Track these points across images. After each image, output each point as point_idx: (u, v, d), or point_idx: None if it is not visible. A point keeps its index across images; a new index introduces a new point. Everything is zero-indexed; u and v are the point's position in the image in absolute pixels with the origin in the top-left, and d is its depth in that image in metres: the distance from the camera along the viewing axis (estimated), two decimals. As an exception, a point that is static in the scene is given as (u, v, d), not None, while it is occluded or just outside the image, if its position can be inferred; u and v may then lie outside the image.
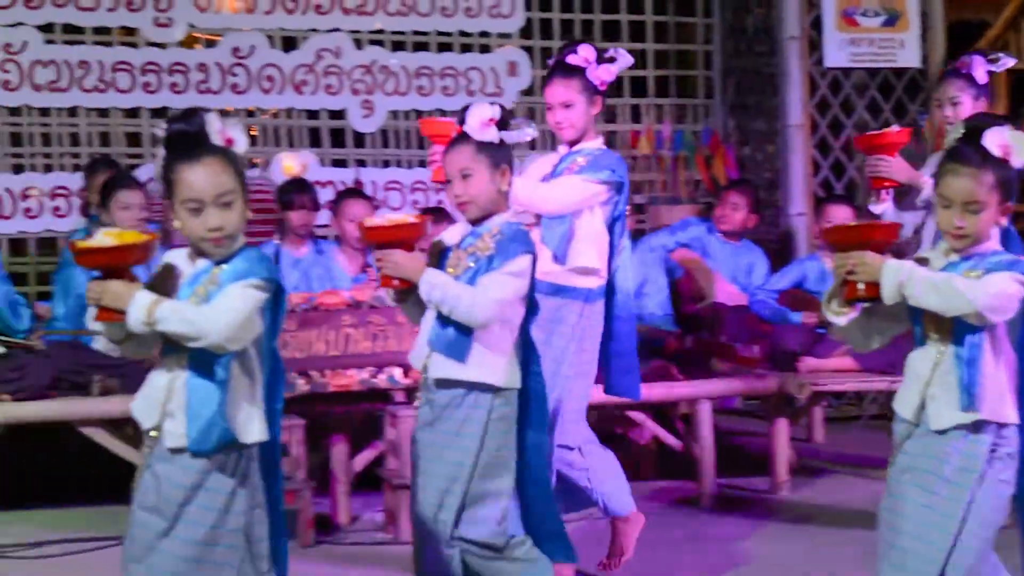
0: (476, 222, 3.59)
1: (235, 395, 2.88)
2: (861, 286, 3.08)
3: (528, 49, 7.12)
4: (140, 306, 2.67)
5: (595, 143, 4.16)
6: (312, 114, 7.00)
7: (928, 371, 3.16)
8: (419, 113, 6.96)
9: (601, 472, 4.47)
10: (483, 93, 7.00)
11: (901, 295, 3.01)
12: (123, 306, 2.66)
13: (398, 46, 6.96)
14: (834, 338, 3.96)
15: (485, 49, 7.01)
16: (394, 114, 7.02)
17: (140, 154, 6.46)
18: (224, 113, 2.75)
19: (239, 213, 2.75)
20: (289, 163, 6.33)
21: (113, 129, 6.49)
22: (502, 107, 3.63)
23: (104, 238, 2.79)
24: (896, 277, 3.02)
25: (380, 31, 6.94)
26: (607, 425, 6.02)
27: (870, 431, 6.28)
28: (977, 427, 3.11)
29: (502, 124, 3.60)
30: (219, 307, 2.72)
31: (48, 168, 6.33)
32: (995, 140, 3.09)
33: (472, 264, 3.55)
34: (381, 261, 3.50)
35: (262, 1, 6.71)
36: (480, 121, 3.58)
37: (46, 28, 6.42)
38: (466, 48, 6.99)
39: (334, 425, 5.64)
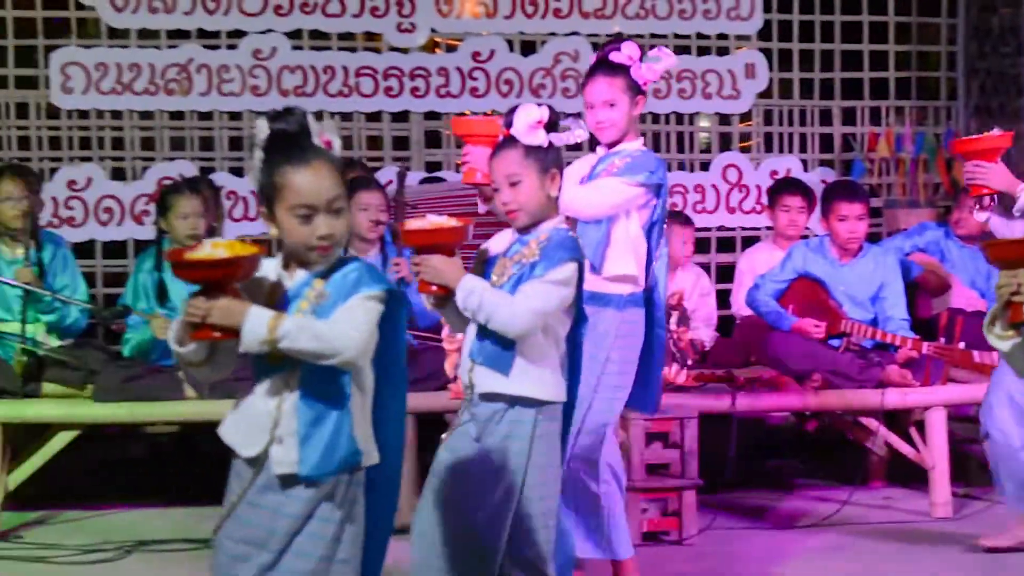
0: (524, 230, 3.45)
1: (355, 414, 2.70)
2: None
3: (766, 52, 7.08)
4: (260, 323, 2.46)
5: (635, 144, 3.99)
6: None
7: None
8: (655, 117, 7.00)
9: (609, 506, 4.31)
10: (720, 96, 7.01)
11: None
12: (237, 323, 2.45)
13: None
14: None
15: (722, 52, 6.98)
16: None
17: (380, 157, 6.64)
18: (318, 116, 2.63)
19: (346, 220, 2.59)
20: None
21: (355, 133, 6.67)
22: (550, 108, 3.47)
23: (215, 250, 2.56)
24: None
25: (618, 35, 6.83)
26: (839, 431, 6.01)
27: None
28: None
29: (551, 126, 3.45)
30: (348, 321, 2.53)
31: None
32: None
33: (515, 272, 3.42)
34: (419, 265, 3.37)
35: (502, 6, 6.82)
36: (528, 124, 3.43)
37: (294, 35, 6.61)
38: (703, 51, 6.97)
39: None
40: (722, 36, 6.89)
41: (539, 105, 3.44)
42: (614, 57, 4.19)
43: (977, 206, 4.54)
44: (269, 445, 2.57)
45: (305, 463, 2.52)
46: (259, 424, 2.58)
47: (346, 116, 6.45)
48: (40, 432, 5.31)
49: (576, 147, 3.94)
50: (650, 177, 4.04)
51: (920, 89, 7.21)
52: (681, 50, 6.86)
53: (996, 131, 4.79)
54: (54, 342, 5.13)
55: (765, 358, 6.03)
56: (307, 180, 2.51)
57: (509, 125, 3.43)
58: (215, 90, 6.52)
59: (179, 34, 6.54)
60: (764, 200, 6.50)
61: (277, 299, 2.57)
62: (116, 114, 6.49)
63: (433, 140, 6.88)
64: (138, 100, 6.31)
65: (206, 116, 6.47)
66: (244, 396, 2.64)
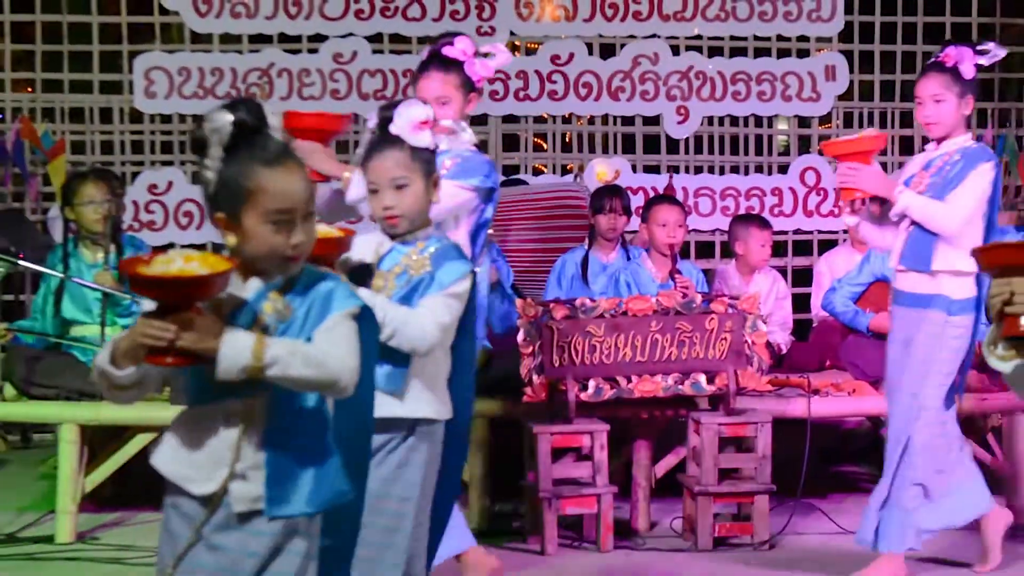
0: (399, 237, 3.29)
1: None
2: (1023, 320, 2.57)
3: (847, 54, 7.10)
4: (242, 348, 2.17)
5: (463, 142, 3.73)
6: (627, 120, 7.13)
7: None
8: (733, 120, 7.04)
9: None
10: (799, 98, 7.04)
11: None
12: (211, 348, 2.14)
13: (715, 51, 7.03)
14: None
15: (803, 54, 7.01)
16: (708, 120, 7.09)
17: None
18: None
19: (314, 228, 2.35)
20: (602, 169, 6.50)
21: (434, 135, 6.75)
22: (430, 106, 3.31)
23: (187, 263, 2.24)
24: None
25: (698, 36, 7.04)
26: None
27: None
28: None
29: (435, 125, 3.32)
30: (337, 342, 2.27)
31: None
32: None
33: (400, 285, 3.26)
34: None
35: (582, 8, 6.87)
36: (412, 123, 3.26)
37: (374, 38, 6.74)
38: (783, 53, 7.00)
39: (637, 430, 5.68)
40: (803, 38, 6.94)
41: (419, 103, 3.30)
42: (447, 52, 4.06)
43: (848, 209, 4.55)
44: (228, 480, 2.30)
45: (276, 502, 2.27)
46: (214, 457, 2.30)
47: (424, 119, 6.55)
48: (118, 434, 5.44)
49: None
50: (484, 181, 3.93)
51: (1003, 91, 7.14)
52: (761, 52, 6.95)
53: (870, 131, 4.82)
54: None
55: (841, 362, 6.08)
56: (283, 182, 2.26)
57: (387, 121, 3.26)
58: (296, 94, 6.67)
59: (260, 38, 6.70)
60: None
61: (226, 312, 2.27)
62: (198, 118, 6.64)
63: (511, 143, 7.01)
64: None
65: (288, 119, 6.58)
66: (182, 421, 2.35)
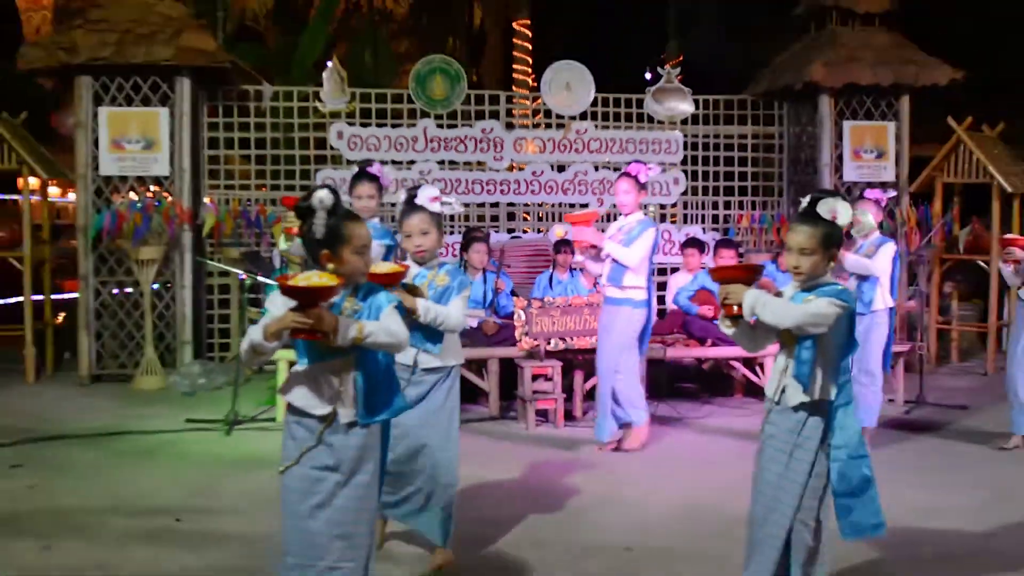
0: (423, 264, 4.57)
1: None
2: (735, 308, 3.73)
3: (685, 171, 10.81)
4: (351, 327, 3.27)
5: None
6: (571, 205, 10.56)
7: (784, 364, 3.84)
8: None
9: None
10: (660, 195, 10.62)
11: (754, 314, 3.71)
12: (331, 327, 3.21)
13: (616, 169, 10.10)
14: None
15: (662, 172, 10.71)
16: (612, 204, 9.88)
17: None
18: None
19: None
20: (559, 230, 9.39)
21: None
22: (440, 188, 4.72)
23: (321, 279, 3.28)
24: (751, 302, 3.71)
25: (607, 163, 10.61)
26: (720, 368, 9.19)
27: None
28: (815, 407, 3.80)
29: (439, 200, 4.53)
30: (396, 322, 3.40)
31: None
32: (825, 207, 3.77)
33: (432, 294, 4.51)
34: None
35: (548, 147, 10.52)
36: (429, 197, 4.48)
37: (440, 162, 10.30)
38: None
39: (577, 364, 8.27)
40: (661, 163, 10.65)
41: (433, 185, 4.63)
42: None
43: (583, 254, 6.64)
44: (337, 405, 3.38)
45: (364, 415, 3.39)
46: (325, 393, 3.39)
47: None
48: None
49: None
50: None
51: (765, 189, 11.18)
52: None
53: (590, 210, 7.32)
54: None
55: (683, 330, 8.83)
56: (362, 230, 3.40)
57: (413, 198, 4.50)
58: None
59: (380, 160, 10.15)
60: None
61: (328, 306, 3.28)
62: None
63: (512, 217, 10.30)
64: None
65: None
66: (302, 372, 3.43)
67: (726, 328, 3.87)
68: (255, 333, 3.36)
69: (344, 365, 3.41)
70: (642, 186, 6.54)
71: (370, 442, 3.51)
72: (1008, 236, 7.21)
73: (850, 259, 6.67)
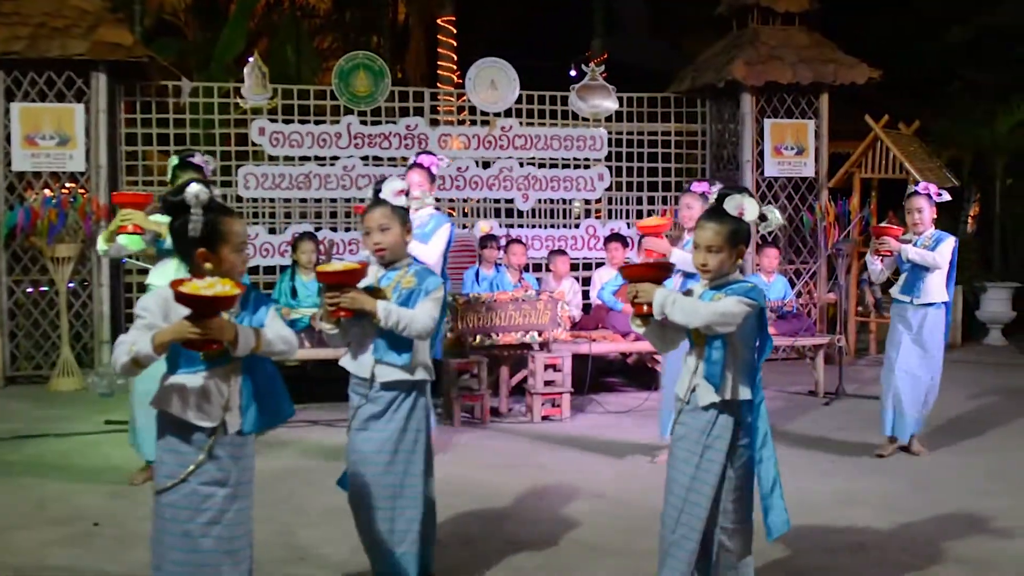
0: (387, 265, 4.11)
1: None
2: (645, 307, 3.63)
3: (609, 167, 10.95)
4: (252, 337, 3.18)
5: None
6: (496, 200, 10.70)
7: (694, 365, 3.77)
8: (551, 200, 10.59)
9: None
10: (585, 190, 10.73)
11: (663, 313, 3.61)
12: (229, 339, 3.09)
13: (542, 165, 10.64)
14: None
15: (586, 167, 10.78)
16: (538, 200, 10.70)
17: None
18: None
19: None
20: (484, 226, 9.84)
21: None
22: (408, 181, 4.32)
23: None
24: (661, 300, 3.62)
25: (532, 158, 10.65)
26: (644, 362, 9.11)
27: None
28: (725, 406, 3.73)
29: (407, 194, 4.09)
30: (284, 325, 3.35)
31: None
32: (732, 204, 3.69)
33: (396, 297, 4.03)
34: (336, 297, 3.84)
35: (472, 143, 10.55)
36: (392, 192, 4.07)
37: (364, 158, 10.33)
38: (577, 165, 10.75)
39: (503, 360, 8.28)
40: (586, 159, 10.71)
41: (400, 179, 4.11)
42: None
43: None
44: (224, 415, 3.27)
45: (252, 422, 3.33)
46: (214, 401, 3.25)
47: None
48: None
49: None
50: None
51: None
52: (566, 165, 10.51)
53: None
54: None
55: (607, 325, 9.03)
56: (240, 227, 3.29)
57: (378, 192, 4.07)
58: (323, 187, 10.19)
59: (303, 158, 10.20)
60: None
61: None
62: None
63: None
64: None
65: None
66: (180, 384, 3.23)
67: (637, 327, 3.78)
68: (142, 345, 3.10)
69: (231, 371, 3.27)
70: (433, 178, 6.39)
71: (251, 452, 3.39)
72: (882, 225, 7.04)
73: (912, 251, 6.64)
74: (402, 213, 4.04)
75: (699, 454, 3.70)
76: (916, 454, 6.95)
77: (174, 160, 5.86)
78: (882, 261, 6.85)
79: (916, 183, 6.81)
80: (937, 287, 6.75)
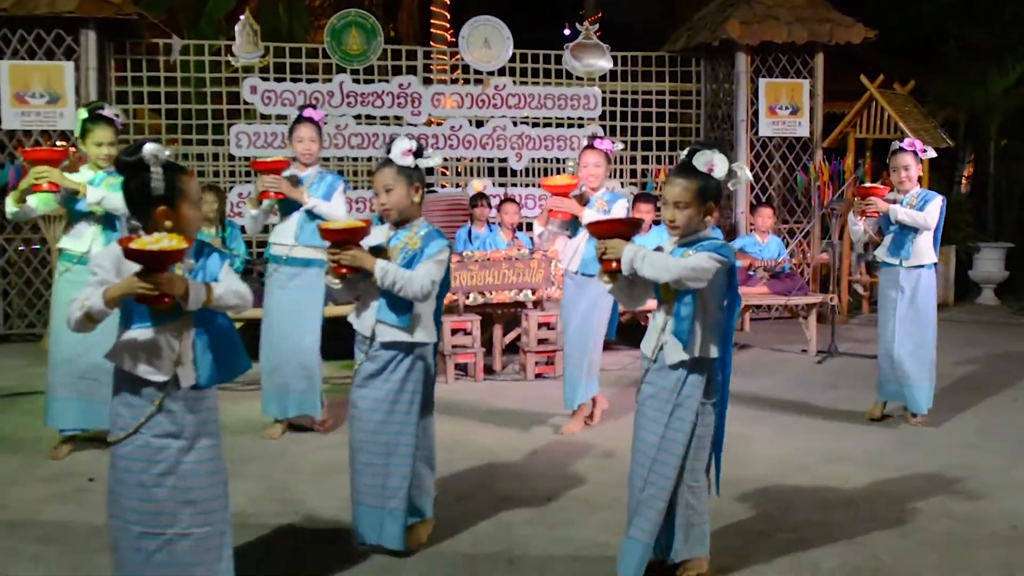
0: (396, 225, 4.11)
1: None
2: (614, 263, 3.60)
3: (603, 126, 10.84)
4: (203, 291, 3.22)
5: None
6: (489, 159, 10.61)
7: (662, 322, 3.73)
8: (545, 159, 10.56)
9: None
10: (575, 149, 10.54)
11: (633, 268, 3.57)
12: (180, 293, 3.13)
13: (535, 124, 10.56)
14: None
15: (580, 126, 10.69)
16: (532, 159, 10.61)
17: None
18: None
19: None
20: (477, 184, 10.01)
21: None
22: (418, 140, 4.08)
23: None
24: (630, 256, 3.57)
25: (526, 117, 10.60)
26: (638, 320, 9.07)
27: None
28: (695, 364, 3.68)
29: (418, 153, 4.08)
30: (238, 280, 3.35)
31: None
32: (702, 159, 3.65)
33: (402, 257, 4.03)
34: (338, 254, 3.90)
35: (466, 103, 10.47)
36: (400, 151, 4.06)
37: (356, 116, 10.26)
38: (570, 125, 10.69)
39: (496, 319, 8.33)
40: (580, 118, 10.64)
41: (410, 138, 4.08)
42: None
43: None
44: (176, 369, 3.32)
45: (206, 377, 3.35)
46: (165, 356, 3.28)
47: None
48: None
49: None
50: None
51: (682, 144, 10.77)
52: (560, 124, 10.51)
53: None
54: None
55: None
56: (196, 185, 3.35)
57: (388, 151, 4.07)
58: None
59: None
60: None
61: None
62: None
63: (429, 171, 9.66)
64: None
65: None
66: (132, 339, 3.27)
67: (604, 283, 3.73)
68: (94, 300, 3.15)
69: (183, 326, 3.30)
70: (321, 136, 6.21)
71: (212, 404, 3.43)
72: (867, 185, 6.64)
73: (902, 212, 6.37)
74: (409, 173, 4.05)
75: (668, 412, 3.68)
76: (915, 424, 6.71)
77: (83, 113, 5.67)
78: (864, 223, 6.60)
79: (901, 139, 6.58)
80: (927, 248, 6.52)
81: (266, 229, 6.28)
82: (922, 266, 6.52)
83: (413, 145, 4.06)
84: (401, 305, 3.96)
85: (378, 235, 4.07)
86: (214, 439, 3.41)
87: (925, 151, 6.50)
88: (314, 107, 6.18)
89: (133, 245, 3.05)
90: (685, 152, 3.73)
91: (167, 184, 3.22)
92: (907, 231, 6.46)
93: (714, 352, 3.69)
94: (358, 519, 4.20)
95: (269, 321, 6.16)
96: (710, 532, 4.02)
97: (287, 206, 6.08)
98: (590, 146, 6.05)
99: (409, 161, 4.05)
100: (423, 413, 4.18)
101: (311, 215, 6.01)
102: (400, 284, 3.90)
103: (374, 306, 4.03)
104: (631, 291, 3.77)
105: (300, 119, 6.10)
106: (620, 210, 5.92)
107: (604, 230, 3.64)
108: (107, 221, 5.69)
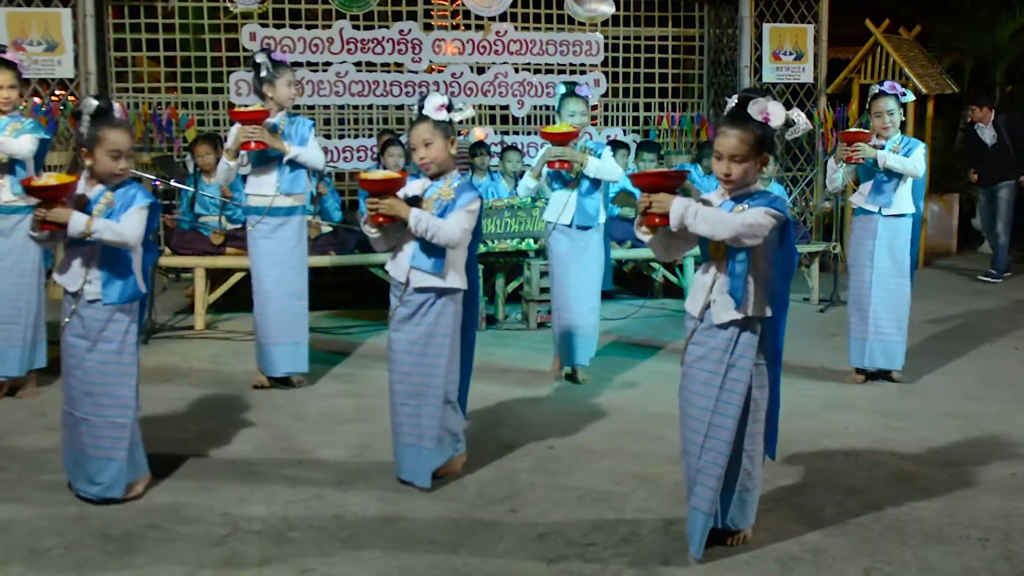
0: (434, 177, 4.29)
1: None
2: (659, 219, 3.46)
3: (606, 73, 10.79)
4: (82, 223, 3.98)
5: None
6: (491, 106, 10.54)
7: (710, 281, 3.59)
8: (546, 106, 10.44)
9: None
10: None
11: (683, 224, 3.40)
12: (63, 222, 3.92)
13: (536, 70, 10.49)
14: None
15: (581, 72, 10.62)
16: (534, 107, 10.57)
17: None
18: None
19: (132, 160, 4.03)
20: (479, 132, 9.94)
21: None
22: (450, 96, 4.26)
23: (57, 180, 3.95)
24: (681, 211, 3.41)
25: (527, 64, 10.49)
26: (639, 270, 9.53)
27: None
28: (746, 323, 3.57)
29: (449, 107, 4.22)
30: (134, 222, 4.04)
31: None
32: (756, 108, 3.44)
33: (436, 208, 4.20)
34: (376, 203, 4.10)
35: (467, 48, 10.37)
36: (434, 106, 4.22)
37: (356, 64, 10.13)
38: (572, 71, 10.58)
39: (499, 268, 8.29)
40: (582, 64, 10.67)
41: (441, 94, 4.33)
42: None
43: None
44: (84, 284, 4.14)
45: (106, 295, 4.13)
46: (77, 273, 4.14)
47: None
48: (224, 273, 8.04)
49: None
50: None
51: (685, 91, 11.34)
52: (561, 71, 10.39)
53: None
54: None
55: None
56: (119, 137, 4.00)
57: (422, 107, 4.23)
58: (316, 94, 10.16)
59: (295, 63, 9.48)
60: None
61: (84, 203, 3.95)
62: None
63: None
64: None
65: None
66: (64, 257, 4.12)
67: (642, 235, 3.57)
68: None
69: (90, 252, 4.08)
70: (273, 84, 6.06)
71: (116, 317, 4.13)
72: (852, 131, 6.21)
73: (892, 158, 6.04)
74: (444, 126, 4.23)
75: (722, 374, 3.55)
76: (897, 381, 6.50)
77: None
78: (845, 170, 6.25)
79: (881, 83, 6.29)
80: (906, 197, 6.25)
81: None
82: (902, 215, 6.27)
83: (446, 100, 4.22)
84: (434, 252, 4.16)
85: (415, 187, 4.25)
86: (116, 345, 4.12)
87: (904, 94, 6.16)
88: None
89: (34, 183, 3.92)
90: (733, 100, 3.53)
91: (88, 132, 4.00)
92: (891, 178, 6.17)
93: (768, 311, 3.56)
94: (397, 455, 4.48)
95: (258, 272, 6.12)
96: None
97: (260, 156, 6.00)
98: (571, 93, 6.11)
99: (443, 115, 4.20)
100: (455, 356, 4.39)
101: (293, 164, 5.98)
102: (433, 231, 4.08)
103: (408, 253, 4.22)
104: (669, 242, 3.64)
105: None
106: (607, 159, 6.00)
107: (650, 183, 3.50)
108: (10, 166, 5.84)
